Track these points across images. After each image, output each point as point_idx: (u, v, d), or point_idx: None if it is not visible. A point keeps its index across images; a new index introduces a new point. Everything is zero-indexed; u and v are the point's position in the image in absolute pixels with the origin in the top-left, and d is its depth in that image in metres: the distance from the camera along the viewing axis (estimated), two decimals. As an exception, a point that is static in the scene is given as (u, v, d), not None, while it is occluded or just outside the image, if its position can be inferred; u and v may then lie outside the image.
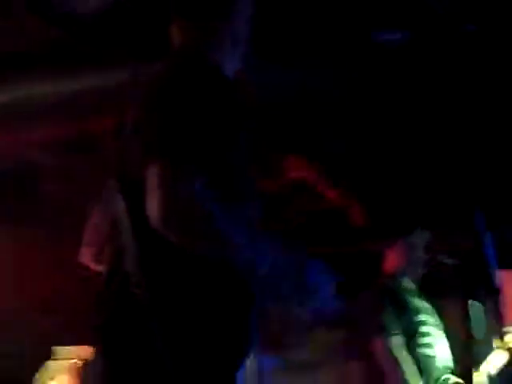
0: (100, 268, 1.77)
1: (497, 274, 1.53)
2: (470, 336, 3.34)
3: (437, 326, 3.53)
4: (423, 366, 3.38)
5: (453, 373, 3.44)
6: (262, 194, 1.73)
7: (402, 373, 3.31)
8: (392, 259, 3.66)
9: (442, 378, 3.41)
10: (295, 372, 5.97)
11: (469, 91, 3.56)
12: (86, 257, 1.86)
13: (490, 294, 1.31)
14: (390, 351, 3.34)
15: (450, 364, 3.45)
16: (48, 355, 4.29)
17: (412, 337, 3.39)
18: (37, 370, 4.20)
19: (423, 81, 3.47)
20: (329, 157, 4.42)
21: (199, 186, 1.45)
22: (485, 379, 3.36)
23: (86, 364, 3.95)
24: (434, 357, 3.42)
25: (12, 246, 4.95)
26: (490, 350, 3.44)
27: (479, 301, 2.78)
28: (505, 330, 3.10)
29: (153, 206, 1.43)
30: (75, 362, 4.16)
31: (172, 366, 1.49)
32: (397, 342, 3.36)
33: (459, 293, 3.74)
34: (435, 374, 3.40)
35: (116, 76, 3.10)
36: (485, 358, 3.41)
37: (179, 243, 1.48)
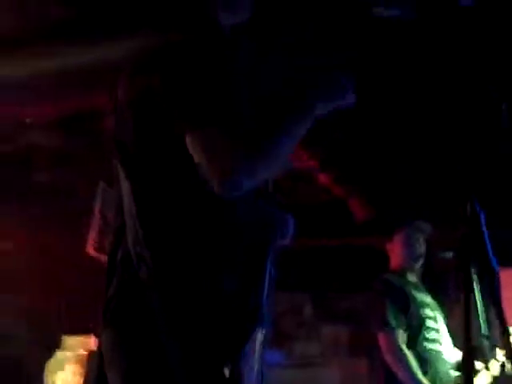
0: (102, 256, 1.80)
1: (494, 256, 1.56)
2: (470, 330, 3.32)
3: (441, 320, 3.55)
4: (430, 360, 3.38)
5: (458, 368, 3.41)
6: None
7: (406, 367, 3.33)
8: (395, 254, 3.68)
9: (450, 373, 3.41)
10: (302, 367, 6.02)
11: (468, 70, 3.55)
12: (89, 245, 1.90)
13: (489, 278, 1.35)
14: (393, 346, 3.35)
15: (455, 359, 3.44)
16: (57, 345, 4.36)
17: (416, 332, 3.40)
18: (46, 360, 4.27)
19: (423, 61, 3.45)
20: (329, 147, 4.44)
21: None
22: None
23: (92, 354, 4.00)
24: (440, 352, 3.42)
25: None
26: (491, 345, 3.44)
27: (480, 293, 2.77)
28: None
29: (215, 166, 1.50)
30: (84, 353, 4.23)
31: (174, 344, 1.52)
32: (400, 336, 3.37)
33: (459, 287, 3.75)
34: (442, 369, 3.41)
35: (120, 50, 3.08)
36: (486, 353, 3.41)
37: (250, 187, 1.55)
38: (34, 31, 3.20)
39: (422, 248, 3.62)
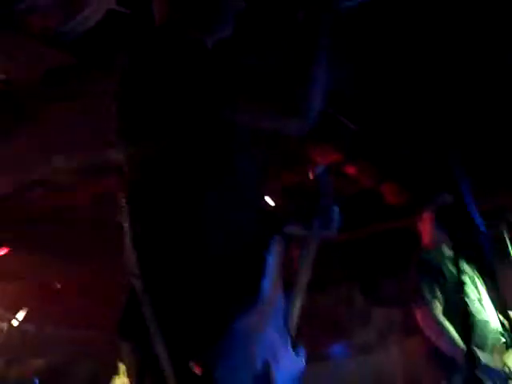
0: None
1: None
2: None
3: (483, 289, 3.54)
4: (477, 331, 3.33)
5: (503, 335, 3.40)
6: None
7: (447, 339, 3.33)
8: (426, 232, 3.68)
9: (501, 341, 3.40)
10: (363, 354, 6.04)
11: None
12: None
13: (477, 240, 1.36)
14: (431, 319, 3.36)
15: (500, 327, 3.40)
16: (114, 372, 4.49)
17: (458, 303, 3.39)
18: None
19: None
20: (352, 138, 4.45)
21: None
22: None
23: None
24: (487, 321, 3.41)
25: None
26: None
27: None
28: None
29: None
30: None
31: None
32: (437, 309, 3.38)
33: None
34: (491, 337, 3.40)
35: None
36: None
37: None
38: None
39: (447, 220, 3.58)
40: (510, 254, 3.60)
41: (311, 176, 1.88)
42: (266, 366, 1.65)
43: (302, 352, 1.83)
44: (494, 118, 4.37)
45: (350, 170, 4.88)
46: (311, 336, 1.85)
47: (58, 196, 5.15)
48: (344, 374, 5.89)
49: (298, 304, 1.88)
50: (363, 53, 3.54)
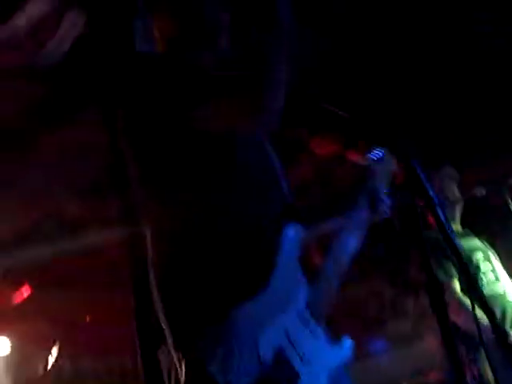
0: None
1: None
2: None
3: (496, 260, 3.47)
4: (496, 303, 3.29)
5: None
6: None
7: (467, 315, 3.26)
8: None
9: None
10: (400, 346, 5.98)
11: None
12: None
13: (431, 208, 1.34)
14: (449, 298, 3.29)
15: None
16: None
17: (471, 278, 3.32)
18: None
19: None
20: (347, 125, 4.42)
21: None
22: None
23: None
24: (504, 292, 3.35)
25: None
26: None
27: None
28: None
29: None
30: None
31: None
32: (455, 287, 3.33)
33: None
34: (509, 309, 3.34)
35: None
36: None
37: None
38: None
39: (455, 194, 3.54)
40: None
41: (364, 160, 1.89)
42: (279, 353, 1.66)
43: (346, 343, 1.82)
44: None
45: (353, 156, 4.84)
46: (346, 332, 1.84)
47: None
48: (383, 369, 5.82)
49: (328, 293, 1.88)
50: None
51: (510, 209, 3.33)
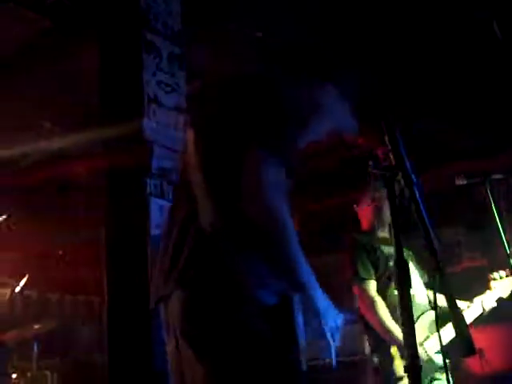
0: None
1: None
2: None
3: (412, 268, 3.52)
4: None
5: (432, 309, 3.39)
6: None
7: (375, 314, 3.38)
8: (365, 218, 3.74)
9: (423, 315, 3.42)
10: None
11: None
12: None
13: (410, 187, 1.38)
14: (364, 295, 3.43)
15: (427, 301, 3.44)
16: None
17: (387, 282, 3.44)
18: None
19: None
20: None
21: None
22: None
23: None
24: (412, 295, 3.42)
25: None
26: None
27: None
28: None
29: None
30: None
31: None
32: (371, 286, 3.44)
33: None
34: (416, 314, 3.41)
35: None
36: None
37: None
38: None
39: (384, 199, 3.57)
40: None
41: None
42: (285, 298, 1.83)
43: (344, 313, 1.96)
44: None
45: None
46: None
47: (57, 165, 5.22)
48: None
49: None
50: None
51: (490, 202, 3.37)
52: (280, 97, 1.87)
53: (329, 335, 1.87)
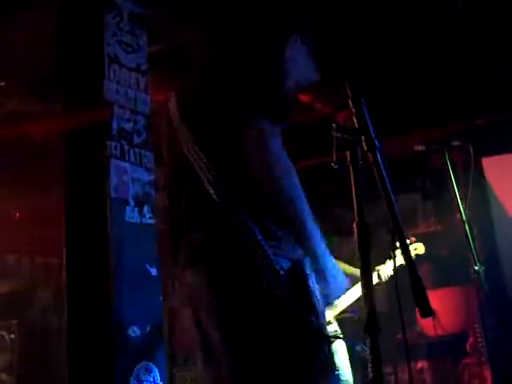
0: None
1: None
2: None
3: None
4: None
5: None
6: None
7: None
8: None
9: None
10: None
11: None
12: None
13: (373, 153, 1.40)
14: None
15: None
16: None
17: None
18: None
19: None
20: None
21: None
22: None
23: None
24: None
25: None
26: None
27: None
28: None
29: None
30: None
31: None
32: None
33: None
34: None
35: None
36: None
37: None
38: None
39: None
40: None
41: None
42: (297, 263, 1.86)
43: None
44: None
45: (304, 97, 4.87)
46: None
47: (13, 125, 5.11)
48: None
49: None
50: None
51: (448, 169, 3.43)
52: (266, 58, 1.87)
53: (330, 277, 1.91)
